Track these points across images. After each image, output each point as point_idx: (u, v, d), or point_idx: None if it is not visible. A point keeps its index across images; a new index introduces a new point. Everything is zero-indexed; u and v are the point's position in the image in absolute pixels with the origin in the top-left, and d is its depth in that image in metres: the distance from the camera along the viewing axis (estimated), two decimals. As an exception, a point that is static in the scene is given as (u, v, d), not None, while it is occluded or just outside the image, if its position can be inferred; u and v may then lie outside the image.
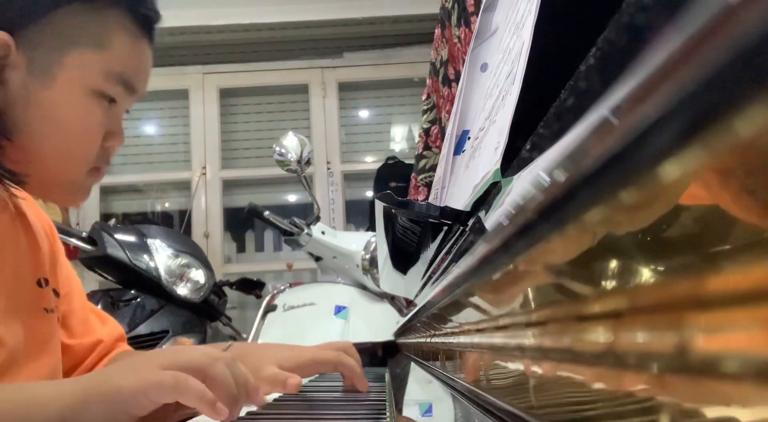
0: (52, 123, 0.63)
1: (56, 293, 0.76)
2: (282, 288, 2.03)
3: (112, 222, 2.54)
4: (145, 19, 0.68)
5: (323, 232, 1.91)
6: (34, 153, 0.63)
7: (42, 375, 0.69)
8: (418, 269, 0.69)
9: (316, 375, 0.94)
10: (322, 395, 0.76)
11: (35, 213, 0.77)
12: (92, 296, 2.05)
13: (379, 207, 0.58)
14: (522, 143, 0.29)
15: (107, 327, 0.87)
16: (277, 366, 0.74)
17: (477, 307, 0.37)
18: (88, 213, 3.32)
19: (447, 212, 0.43)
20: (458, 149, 0.59)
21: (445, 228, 0.47)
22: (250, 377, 0.57)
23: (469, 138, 0.55)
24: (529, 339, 0.25)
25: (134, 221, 3.43)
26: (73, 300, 0.82)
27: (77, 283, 0.85)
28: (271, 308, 1.91)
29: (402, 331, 1.24)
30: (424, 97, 1.47)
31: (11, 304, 0.66)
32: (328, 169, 3.41)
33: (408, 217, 0.53)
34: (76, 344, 0.81)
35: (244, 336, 2.13)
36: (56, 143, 0.64)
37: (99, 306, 2.00)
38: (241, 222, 3.47)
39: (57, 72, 0.63)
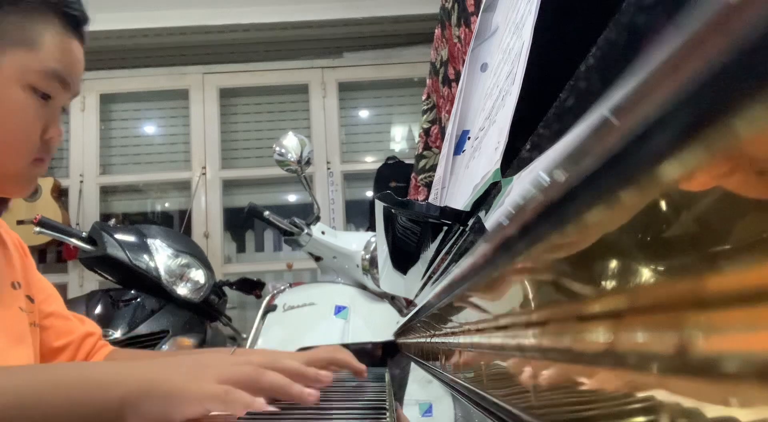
0: None
1: (31, 299, 0.81)
2: (282, 288, 2.03)
3: (112, 222, 2.54)
4: (72, 19, 0.73)
5: (323, 232, 1.91)
6: None
7: (20, 363, 0.72)
8: (418, 269, 0.69)
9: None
10: (322, 395, 0.76)
11: (5, 230, 0.83)
12: (92, 296, 2.05)
13: (379, 207, 0.58)
14: (522, 143, 0.29)
15: (87, 325, 0.90)
16: None
17: (477, 307, 0.37)
18: (88, 213, 3.32)
19: (447, 212, 0.43)
20: (458, 149, 0.59)
21: (445, 228, 0.47)
22: (301, 367, 0.61)
23: (469, 138, 0.55)
24: (529, 339, 0.25)
25: (134, 221, 3.43)
26: (52, 304, 0.87)
27: (54, 291, 0.90)
28: (271, 308, 1.91)
29: (402, 331, 1.24)
30: (424, 97, 1.47)
31: None
32: (328, 169, 3.41)
33: (408, 217, 0.53)
34: (66, 343, 0.85)
35: (244, 336, 2.13)
36: None
37: (99, 306, 2.01)
38: (241, 222, 3.47)
39: None
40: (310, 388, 0.60)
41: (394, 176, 3.02)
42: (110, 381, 0.52)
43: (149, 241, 2.07)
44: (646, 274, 0.15)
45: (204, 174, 3.39)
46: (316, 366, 0.81)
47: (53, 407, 0.50)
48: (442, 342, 0.57)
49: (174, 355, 0.78)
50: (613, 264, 0.17)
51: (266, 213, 1.90)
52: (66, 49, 0.72)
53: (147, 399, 0.51)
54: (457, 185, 0.53)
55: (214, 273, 2.24)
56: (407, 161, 3.01)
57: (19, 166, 0.72)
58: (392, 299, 1.83)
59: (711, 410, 0.12)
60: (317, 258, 1.96)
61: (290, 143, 1.85)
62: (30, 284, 0.83)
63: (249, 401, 0.53)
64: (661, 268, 0.14)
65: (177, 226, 3.44)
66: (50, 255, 3.35)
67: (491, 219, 0.28)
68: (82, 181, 3.31)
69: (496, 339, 0.32)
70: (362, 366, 0.83)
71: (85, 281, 3.19)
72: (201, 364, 0.57)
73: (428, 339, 0.72)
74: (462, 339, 0.44)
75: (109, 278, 2.16)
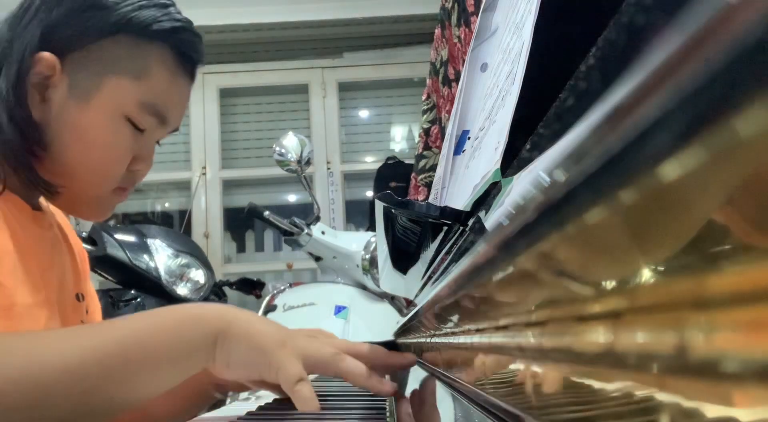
0: (83, 142, 0.68)
1: (86, 310, 0.82)
2: (282, 288, 2.03)
3: (112, 222, 2.54)
4: (187, 58, 0.72)
5: (323, 232, 1.91)
6: (65, 167, 0.68)
7: None
8: (418, 269, 0.69)
9: (316, 376, 0.94)
10: (322, 395, 0.76)
11: (72, 236, 0.83)
12: (92, 296, 2.05)
13: (379, 207, 0.58)
14: (522, 143, 0.29)
15: None
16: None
17: (477, 307, 0.37)
18: (88, 213, 3.32)
19: (447, 212, 0.43)
20: (458, 149, 0.59)
21: (445, 228, 0.47)
22: (384, 357, 0.64)
23: (469, 138, 0.55)
24: (529, 339, 0.25)
25: (134, 221, 3.43)
26: (95, 316, 0.87)
27: (97, 303, 0.90)
28: (271, 308, 1.91)
29: (402, 331, 1.24)
30: (424, 97, 1.47)
31: (58, 316, 0.70)
32: (328, 169, 3.41)
33: (408, 217, 0.54)
34: None
35: (244, 336, 2.13)
36: (85, 160, 0.69)
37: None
38: (241, 222, 3.47)
39: (93, 96, 0.67)
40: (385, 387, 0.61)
41: (394, 176, 3.02)
42: (209, 316, 0.55)
43: (149, 241, 2.07)
44: (646, 274, 0.15)
45: (204, 174, 3.39)
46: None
47: (159, 343, 0.52)
48: (442, 342, 0.57)
49: None
50: (613, 264, 0.17)
51: (266, 213, 1.90)
52: (172, 84, 0.71)
53: (240, 342, 0.54)
54: (457, 185, 0.53)
55: (214, 273, 2.24)
56: (407, 161, 3.01)
57: (100, 193, 0.72)
58: (392, 299, 1.83)
59: (711, 410, 0.12)
60: (317, 258, 1.96)
61: (290, 143, 1.85)
62: (87, 295, 0.83)
63: (309, 402, 0.54)
64: (661, 268, 0.14)
65: (177, 226, 3.44)
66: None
67: (491, 219, 0.28)
68: (82, 181, 3.31)
69: (496, 339, 0.32)
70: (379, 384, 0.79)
71: (85, 281, 3.19)
72: (290, 332, 0.59)
73: (428, 339, 0.72)
74: (462, 339, 0.44)
75: (109, 278, 2.16)
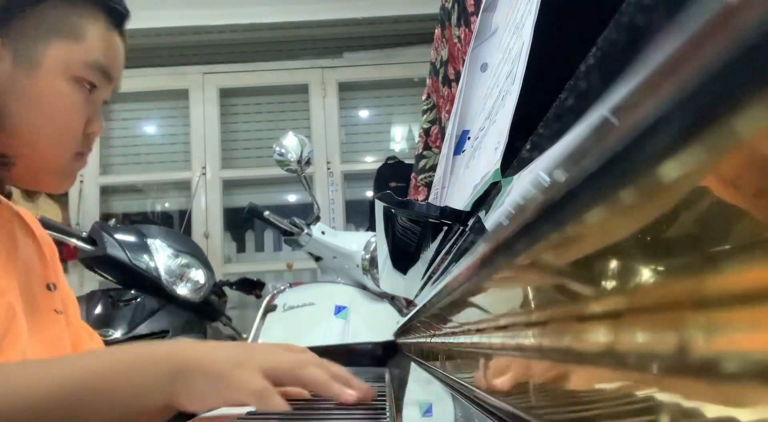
0: (38, 109, 0.68)
1: (61, 302, 0.81)
2: (282, 288, 2.03)
3: (112, 222, 2.53)
4: (115, 13, 0.74)
5: (323, 232, 1.91)
6: (24, 137, 0.68)
7: None
8: (418, 269, 0.69)
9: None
10: (321, 395, 0.76)
11: (37, 229, 0.83)
12: (92, 296, 2.05)
13: (379, 207, 0.58)
14: (522, 143, 0.29)
15: (93, 341, 0.90)
16: None
17: (477, 307, 0.37)
18: (88, 213, 3.32)
19: (447, 212, 0.43)
20: (458, 149, 0.59)
21: (445, 228, 0.47)
22: (345, 373, 0.62)
23: (469, 138, 0.55)
24: (529, 339, 0.25)
25: (134, 221, 3.43)
26: (69, 316, 0.86)
27: (74, 299, 0.89)
28: (271, 308, 1.91)
29: (402, 331, 1.24)
30: (424, 97, 1.47)
31: (26, 306, 0.70)
32: (328, 169, 3.41)
33: (408, 217, 0.54)
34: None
35: (244, 336, 2.13)
36: (43, 127, 0.69)
37: (99, 306, 2.01)
38: (241, 222, 3.47)
39: (40, 62, 0.68)
40: (363, 393, 0.61)
41: (394, 176, 3.01)
42: (162, 357, 0.54)
43: (149, 241, 2.07)
44: (646, 274, 0.15)
45: (204, 174, 3.39)
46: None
47: (111, 385, 0.52)
48: (442, 342, 0.57)
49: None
50: (613, 264, 0.17)
51: (266, 213, 1.90)
52: (109, 41, 0.73)
53: (193, 375, 0.53)
54: (457, 185, 0.53)
55: (214, 273, 2.24)
56: (407, 161, 3.01)
57: (63, 160, 0.72)
58: (392, 299, 1.83)
59: (711, 410, 0.12)
60: (317, 258, 1.96)
61: (290, 143, 1.85)
62: (60, 288, 0.82)
63: (281, 407, 0.54)
64: (661, 268, 0.14)
65: (177, 226, 3.44)
66: (50, 255, 3.35)
67: (491, 219, 0.28)
68: (82, 181, 3.31)
69: (496, 339, 0.32)
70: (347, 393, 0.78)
71: (85, 281, 3.19)
72: (248, 350, 0.58)
73: (428, 339, 0.72)
74: (462, 339, 0.44)
75: (109, 278, 2.16)
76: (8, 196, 0.78)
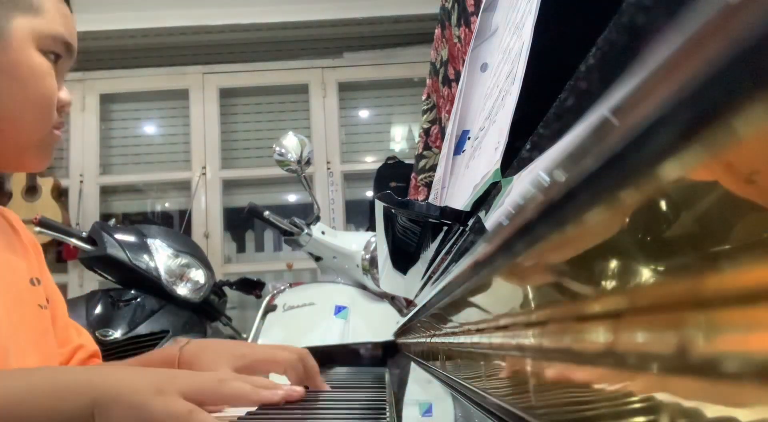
0: (12, 80, 0.70)
1: (46, 298, 0.81)
2: (282, 288, 2.03)
3: (112, 222, 2.53)
4: None
5: (323, 232, 1.91)
6: (3, 111, 0.70)
7: (42, 363, 0.72)
8: (418, 269, 0.69)
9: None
10: (322, 394, 0.76)
11: (21, 228, 0.83)
12: (92, 296, 2.05)
13: (379, 207, 0.58)
14: (522, 143, 0.29)
15: (83, 337, 0.90)
16: (230, 365, 0.75)
17: (477, 307, 0.37)
18: (88, 213, 3.32)
19: (447, 212, 0.43)
20: (458, 149, 0.59)
21: (445, 228, 0.47)
22: (270, 382, 0.62)
23: (469, 138, 0.55)
24: (529, 339, 0.25)
25: (134, 221, 3.43)
26: (56, 310, 0.86)
27: (60, 296, 0.89)
28: (271, 308, 1.91)
29: (402, 331, 1.24)
30: (424, 97, 1.47)
31: (8, 300, 0.70)
32: (328, 169, 3.41)
33: (408, 217, 0.54)
34: (57, 354, 0.85)
35: (244, 336, 2.13)
36: (20, 98, 0.71)
37: (99, 306, 2.01)
38: (241, 222, 3.47)
39: (9, 37, 0.69)
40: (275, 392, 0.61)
41: (394, 176, 3.01)
42: (82, 385, 0.53)
43: (149, 241, 2.07)
44: (646, 274, 0.15)
45: (204, 174, 3.39)
46: (271, 367, 0.80)
47: (28, 412, 0.51)
48: (442, 342, 0.57)
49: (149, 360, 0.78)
50: (613, 264, 0.17)
51: (266, 213, 1.90)
52: (62, 15, 0.74)
53: (115, 406, 0.52)
54: (457, 185, 0.53)
55: (214, 273, 2.24)
56: (407, 161, 3.01)
57: (42, 132, 0.73)
58: (392, 299, 1.83)
59: (711, 410, 0.12)
60: (317, 258, 1.96)
61: (290, 143, 1.85)
62: (45, 285, 0.82)
63: None
64: (661, 268, 0.14)
65: (177, 226, 3.44)
66: (50, 255, 3.35)
67: (491, 219, 0.28)
68: (82, 181, 3.31)
69: (496, 339, 0.32)
70: (324, 386, 0.81)
71: (85, 281, 3.20)
72: (168, 375, 0.57)
73: (428, 339, 0.72)
74: (462, 339, 0.44)
75: (109, 278, 2.16)
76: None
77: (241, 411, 0.62)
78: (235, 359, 0.76)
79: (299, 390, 0.65)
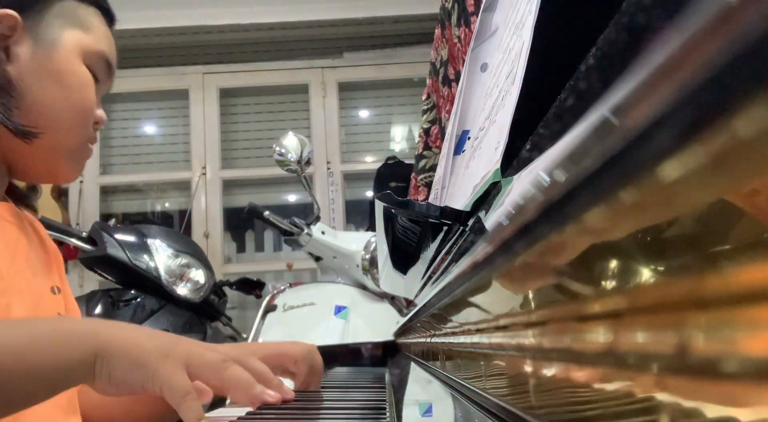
0: (56, 84, 0.73)
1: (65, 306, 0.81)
2: (282, 288, 2.03)
3: (112, 222, 2.53)
4: (107, 14, 0.81)
5: (323, 232, 1.91)
6: (44, 113, 0.72)
7: None
8: (418, 269, 0.69)
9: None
10: (322, 394, 0.76)
11: (45, 236, 0.85)
12: (92, 296, 2.05)
13: (379, 207, 0.58)
14: (522, 143, 0.29)
15: None
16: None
17: (477, 307, 0.37)
18: (88, 213, 3.32)
19: (447, 212, 0.43)
20: (458, 149, 0.59)
21: (445, 228, 0.47)
22: (268, 372, 0.62)
23: (469, 138, 0.55)
24: (529, 339, 0.25)
25: (134, 221, 3.43)
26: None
27: (76, 306, 0.90)
28: (271, 308, 1.91)
29: (402, 331, 1.24)
30: (424, 97, 1.47)
31: (31, 307, 0.70)
32: (328, 169, 3.41)
33: (408, 217, 0.53)
34: None
35: (244, 336, 2.13)
36: (62, 102, 0.74)
37: (99, 306, 2.01)
38: (241, 222, 3.47)
39: (59, 43, 0.73)
40: (283, 394, 0.61)
41: (394, 176, 3.01)
42: (87, 334, 0.54)
43: (149, 241, 2.07)
44: (646, 274, 0.15)
45: (204, 174, 3.39)
46: (281, 360, 0.81)
47: (33, 357, 0.51)
48: (442, 342, 0.57)
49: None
50: (613, 264, 0.17)
51: (266, 213, 1.90)
52: (108, 38, 0.79)
53: (117, 358, 0.53)
54: (457, 185, 0.53)
55: (214, 273, 2.24)
56: (407, 161, 3.01)
57: (79, 141, 0.76)
58: (392, 299, 1.83)
59: (711, 410, 0.12)
60: (317, 258, 1.96)
61: (290, 143, 1.85)
62: (64, 290, 0.83)
63: (198, 416, 0.53)
64: (661, 268, 0.14)
65: (177, 226, 3.44)
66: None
67: (491, 219, 0.28)
68: (82, 181, 3.31)
69: (496, 339, 0.32)
70: (318, 385, 0.82)
71: (85, 281, 3.19)
72: (174, 340, 0.57)
73: (428, 339, 0.72)
74: (462, 339, 0.44)
75: (109, 278, 2.15)
76: (24, 197, 0.80)
77: (241, 411, 0.62)
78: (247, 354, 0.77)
79: (291, 393, 0.64)
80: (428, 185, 1.41)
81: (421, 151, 1.47)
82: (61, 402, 0.71)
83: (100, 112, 0.79)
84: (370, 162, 3.48)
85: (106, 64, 0.78)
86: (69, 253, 3.16)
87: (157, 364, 0.53)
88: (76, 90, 0.75)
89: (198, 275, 2.11)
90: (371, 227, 2.73)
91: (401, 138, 3.64)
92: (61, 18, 0.74)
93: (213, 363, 0.57)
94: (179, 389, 0.53)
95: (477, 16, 0.64)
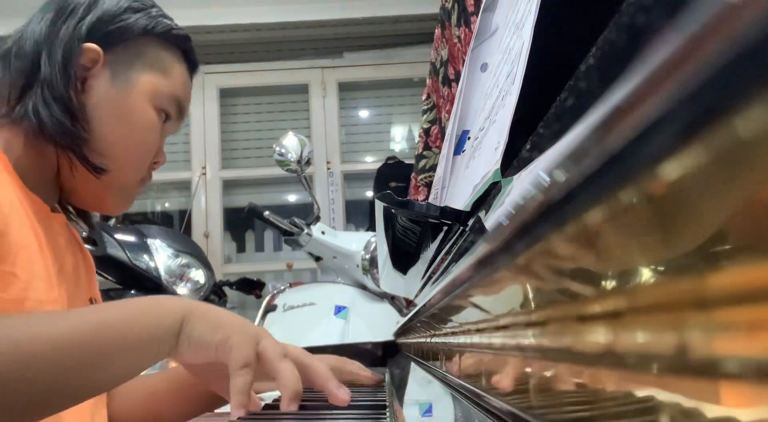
0: (125, 122, 0.76)
1: None
2: (282, 288, 2.03)
3: (112, 222, 2.53)
4: (192, 63, 0.85)
5: (323, 232, 1.91)
6: (109, 147, 0.75)
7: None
8: (418, 269, 0.69)
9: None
10: (322, 395, 0.76)
11: (83, 245, 0.87)
12: (92, 296, 2.05)
13: (379, 207, 0.58)
14: (522, 143, 0.29)
15: None
16: None
17: (477, 307, 0.37)
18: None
19: (447, 212, 0.43)
20: (458, 149, 0.59)
21: (445, 228, 0.47)
22: (321, 369, 0.64)
23: (469, 138, 0.55)
24: (529, 339, 0.25)
25: (134, 221, 3.42)
26: None
27: None
28: (271, 308, 1.91)
29: (402, 331, 1.24)
30: (424, 97, 1.47)
31: None
32: (328, 169, 3.41)
33: (408, 217, 0.54)
34: None
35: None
36: (128, 140, 0.77)
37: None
38: (241, 222, 3.47)
39: (134, 84, 0.76)
40: (335, 395, 0.63)
41: (394, 176, 3.01)
42: (177, 304, 0.59)
43: (149, 241, 2.07)
44: (645, 274, 0.15)
45: (204, 174, 3.39)
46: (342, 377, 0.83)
47: (133, 327, 0.56)
48: (442, 342, 0.57)
49: None
50: (613, 264, 0.17)
51: (266, 213, 1.90)
52: (186, 83, 0.82)
53: (198, 321, 0.58)
54: (457, 185, 0.53)
55: (214, 273, 2.24)
56: (407, 161, 3.01)
57: (135, 177, 0.79)
58: (392, 299, 1.83)
59: (711, 410, 0.12)
60: (317, 258, 1.96)
61: (290, 143, 1.85)
62: (98, 301, 0.86)
63: (243, 390, 0.56)
64: (661, 268, 0.14)
65: (177, 226, 3.44)
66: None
67: (491, 219, 0.28)
68: (82, 181, 3.30)
69: (496, 339, 0.32)
70: (369, 375, 0.85)
71: (85, 281, 3.19)
72: (246, 321, 0.62)
73: (428, 339, 0.72)
74: (462, 339, 0.44)
75: (109, 278, 2.15)
76: (82, 213, 0.84)
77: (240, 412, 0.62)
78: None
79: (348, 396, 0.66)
80: (428, 185, 1.41)
81: (421, 151, 1.47)
82: None
83: (160, 156, 0.82)
84: (370, 162, 3.48)
85: (177, 106, 0.81)
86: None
87: (233, 331, 0.58)
88: (140, 130, 0.77)
89: (198, 275, 2.11)
90: (371, 227, 2.73)
91: (401, 138, 3.63)
92: (143, 59, 0.77)
93: (275, 350, 0.60)
94: (242, 358, 0.56)
95: (477, 16, 0.64)
